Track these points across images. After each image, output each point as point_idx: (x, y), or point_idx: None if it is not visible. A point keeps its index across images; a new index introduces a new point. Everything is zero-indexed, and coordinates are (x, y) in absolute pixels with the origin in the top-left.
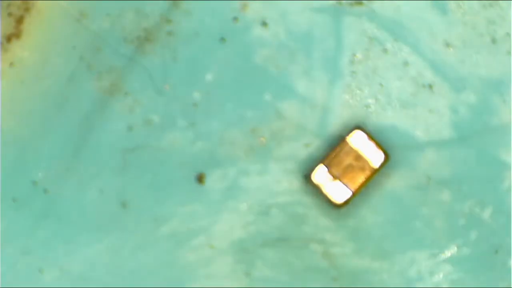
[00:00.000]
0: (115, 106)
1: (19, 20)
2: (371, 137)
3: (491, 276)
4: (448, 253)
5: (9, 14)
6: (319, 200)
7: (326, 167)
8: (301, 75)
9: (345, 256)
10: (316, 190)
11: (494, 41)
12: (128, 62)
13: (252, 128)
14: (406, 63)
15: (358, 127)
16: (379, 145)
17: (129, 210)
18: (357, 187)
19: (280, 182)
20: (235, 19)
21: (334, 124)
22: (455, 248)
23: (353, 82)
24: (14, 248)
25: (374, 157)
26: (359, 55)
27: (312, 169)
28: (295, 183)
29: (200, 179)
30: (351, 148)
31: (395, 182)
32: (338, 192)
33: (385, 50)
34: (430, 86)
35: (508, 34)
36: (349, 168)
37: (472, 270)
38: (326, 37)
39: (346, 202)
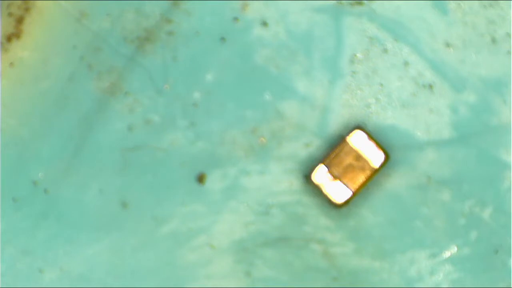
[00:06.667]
0: (115, 106)
1: (19, 20)
2: (371, 137)
3: (491, 276)
4: (448, 253)
5: (9, 14)
6: (319, 200)
7: (326, 167)
8: (301, 75)
9: (345, 256)
10: (316, 190)
11: (494, 41)
12: (128, 62)
13: (252, 128)
14: (406, 63)
15: (358, 127)
16: (379, 145)
17: (129, 210)
18: (357, 187)
19: (280, 182)
20: (235, 19)
21: (334, 124)
22: (455, 248)
23: (353, 82)
24: (14, 248)
25: (374, 157)
26: (359, 55)
27: (312, 169)
28: (295, 183)
29: (200, 179)
30: (351, 148)
31: (395, 182)
32: (338, 192)
33: (385, 50)
34: (430, 86)
35: (508, 34)
36: (349, 168)
37: (472, 270)
38: (326, 37)
39: (346, 202)
